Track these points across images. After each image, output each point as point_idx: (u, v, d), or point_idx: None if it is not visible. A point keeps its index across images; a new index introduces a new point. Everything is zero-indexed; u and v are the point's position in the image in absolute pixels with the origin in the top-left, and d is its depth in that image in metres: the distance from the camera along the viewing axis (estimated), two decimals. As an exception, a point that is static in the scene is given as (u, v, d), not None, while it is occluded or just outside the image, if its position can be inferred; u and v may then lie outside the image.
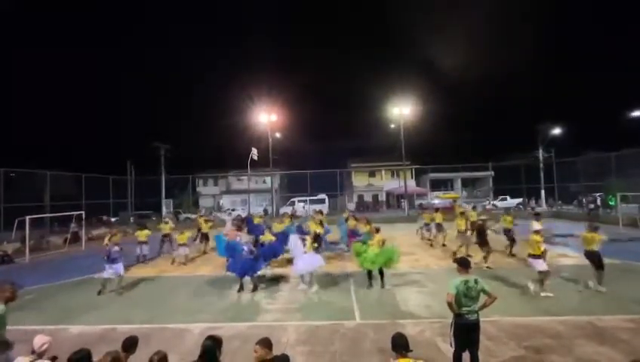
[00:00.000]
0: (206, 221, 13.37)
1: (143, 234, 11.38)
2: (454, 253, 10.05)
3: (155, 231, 12.84)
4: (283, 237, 11.56)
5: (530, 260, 6.87)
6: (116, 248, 8.08)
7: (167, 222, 12.95)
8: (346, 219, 12.19)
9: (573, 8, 62.04)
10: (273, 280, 8.41)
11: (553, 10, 60.82)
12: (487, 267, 8.88)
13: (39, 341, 3.10)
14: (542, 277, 6.63)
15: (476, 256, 9.36)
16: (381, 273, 7.50)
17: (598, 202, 22.18)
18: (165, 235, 12.27)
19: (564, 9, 62.56)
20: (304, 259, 7.70)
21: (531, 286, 6.71)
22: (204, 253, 12.51)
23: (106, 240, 9.60)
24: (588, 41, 61.99)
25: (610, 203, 20.41)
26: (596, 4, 61.01)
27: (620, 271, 7.35)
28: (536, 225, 8.06)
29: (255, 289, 7.57)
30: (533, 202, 27.70)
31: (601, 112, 45.20)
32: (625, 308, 5.80)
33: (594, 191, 22.64)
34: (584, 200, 23.11)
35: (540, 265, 6.67)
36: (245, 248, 7.86)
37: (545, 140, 27.18)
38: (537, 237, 6.79)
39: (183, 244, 10.77)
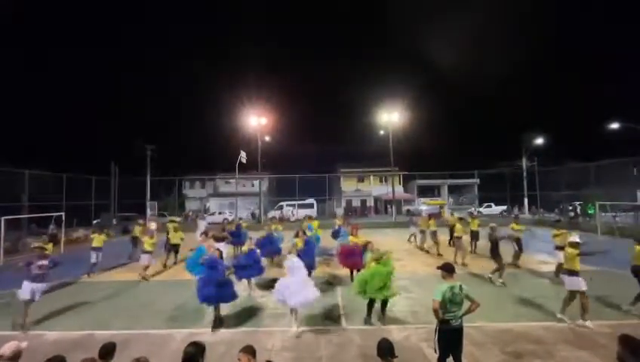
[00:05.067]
0: (175, 229, 11.22)
1: (98, 240, 9.91)
2: (464, 264, 9.83)
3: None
4: (270, 247, 10.13)
5: (569, 278, 5.72)
6: (43, 262, 6.22)
7: (140, 225, 12.68)
8: (338, 228, 11.22)
9: (561, 20, 64.48)
10: (258, 286, 8.28)
11: (541, 22, 63.10)
12: (502, 283, 7.96)
13: (8, 347, 2.94)
14: (584, 301, 5.55)
15: (470, 265, 9.62)
16: (370, 304, 5.81)
17: (578, 210, 22.90)
18: (134, 238, 11.96)
19: (553, 21, 64.96)
20: (286, 284, 5.65)
21: (565, 317, 5.73)
22: (165, 266, 10.58)
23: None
24: (573, 53, 64.47)
25: (589, 211, 21.11)
26: (584, 19, 63.60)
27: (598, 278, 7.54)
28: (575, 237, 6.26)
29: (218, 325, 5.77)
30: (516, 209, 28.40)
31: (582, 124, 46.92)
32: (603, 314, 5.97)
33: (574, 199, 23.38)
34: (563, 207, 23.85)
35: (582, 284, 5.59)
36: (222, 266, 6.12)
37: (528, 150, 27.96)
38: (573, 251, 5.77)
39: (149, 251, 9.41)
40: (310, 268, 7.43)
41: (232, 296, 5.92)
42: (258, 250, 8.59)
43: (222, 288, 5.73)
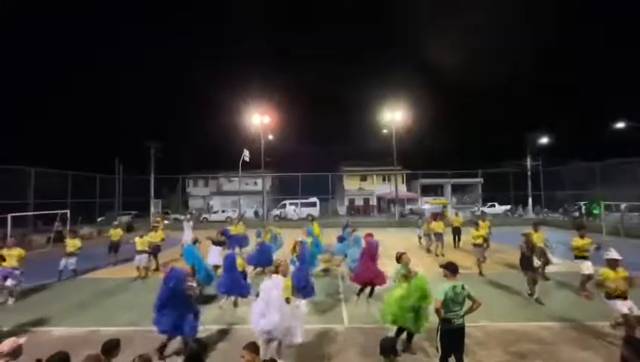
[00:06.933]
0: (155, 229, 10.33)
1: (72, 245, 9.26)
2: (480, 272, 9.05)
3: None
4: (263, 256, 8.85)
5: (618, 303, 4.89)
6: None
7: (116, 227, 11.40)
8: (344, 231, 10.27)
9: (566, 18, 63.89)
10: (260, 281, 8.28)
11: (544, 21, 62.53)
12: (536, 299, 6.85)
13: (6, 343, 2.93)
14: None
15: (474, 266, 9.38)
16: (409, 335, 4.62)
17: (582, 210, 22.70)
18: (114, 242, 10.83)
19: (557, 20, 64.37)
20: (268, 311, 4.13)
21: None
22: (157, 268, 9.82)
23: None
24: (578, 51, 63.83)
25: (594, 211, 20.93)
26: (588, 19, 62.98)
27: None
28: (614, 254, 5.15)
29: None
30: (520, 209, 28.25)
31: (587, 123, 46.55)
32: (605, 315, 5.91)
33: (579, 199, 23.19)
34: (567, 207, 23.66)
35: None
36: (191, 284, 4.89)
37: (533, 149, 27.77)
38: (618, 273, 4.98)
39: (142, 251, 9.07)
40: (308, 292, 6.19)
41: (191, 329, 4.40)
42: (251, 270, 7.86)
43: (183, 316, 4.42)
